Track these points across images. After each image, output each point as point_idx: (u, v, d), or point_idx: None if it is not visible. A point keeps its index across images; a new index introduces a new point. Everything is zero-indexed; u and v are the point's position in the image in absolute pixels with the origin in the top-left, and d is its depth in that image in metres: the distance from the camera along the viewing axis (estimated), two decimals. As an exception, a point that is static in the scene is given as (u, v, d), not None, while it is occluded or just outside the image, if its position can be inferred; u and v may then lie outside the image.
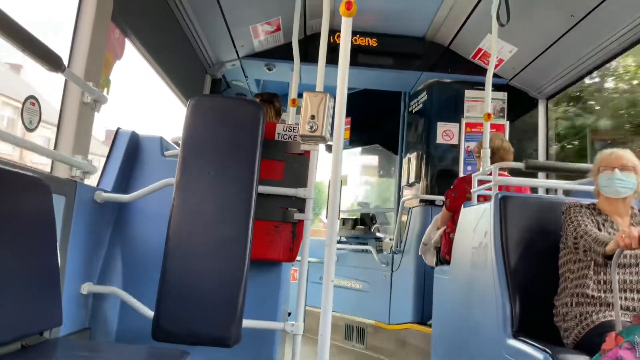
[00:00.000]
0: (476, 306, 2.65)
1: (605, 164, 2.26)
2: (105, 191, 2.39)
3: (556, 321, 2.22)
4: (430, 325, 3.67)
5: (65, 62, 1.92)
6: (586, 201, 2.36)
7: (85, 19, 2.23)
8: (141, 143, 2.68)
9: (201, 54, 4.27)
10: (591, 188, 2.40)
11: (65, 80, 2.15)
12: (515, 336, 2.22)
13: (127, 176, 2.60)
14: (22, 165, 1.82)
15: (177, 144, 2.63)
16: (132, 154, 2.64)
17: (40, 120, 1.82)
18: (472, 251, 2.78)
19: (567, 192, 3.01)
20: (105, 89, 2.52)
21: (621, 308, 2.00)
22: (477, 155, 3.63)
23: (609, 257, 1.96)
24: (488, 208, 2.61)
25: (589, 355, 1.83)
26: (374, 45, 4.69)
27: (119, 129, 2.68)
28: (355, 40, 4.60)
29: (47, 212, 1.73)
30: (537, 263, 2.42)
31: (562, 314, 2.17)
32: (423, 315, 4.33)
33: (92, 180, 2.34)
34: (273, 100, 3.61)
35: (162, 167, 2.58)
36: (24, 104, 1.77)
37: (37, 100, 1.82)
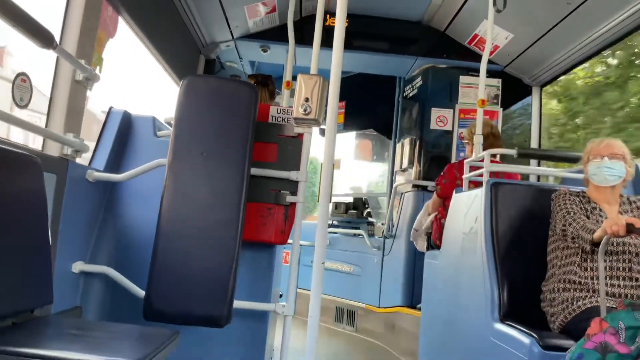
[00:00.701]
0: (465, 291, 2.68)
1: (594, 152, 2.27)
2: (97, 170, 2.38)
3: (543, 306, 2.25)
4: (419, 309, 3.71)
5: (57, 39, 1.89)
6: (577, 189, 2.38)
7: (77, -5, 2.20)
8: (133, 123, 2.67)
9: (195, 34, 4.21)
10: (582, 176, 2.42)
11: (57, 57, 2.12)
12: (503, 321, 2.25)
13: (119, 156, 2.58)
14: (12, 143, 1.80)
15: (170, 124, 2.62)
16: (125, 133, 2.63)
17: (31, 97, 1.80)
18: (462, 237, 2.80)
19: (558, 180, 3.03)
20: (98, 67, 2.48)
21: (607, 295, 2.03)
22: (467, 141, 3.63)
23: (596, 244, 1.98)
24: (479, 194, 2.63)
25: (574, 340, 1.85)
26: (369, 28, 4.64)
27: (111, 108, 2.66)
28: (350, 23, 4.55)
29: (38, 190, 1.72)
30: (526, 249, 2.45)
31: (549, 300, 2.20)
32: (413, 299, 4.37)
33: (84, 160, 2.33)
34: (267, 82, 3.59)
35: (154, 147, 2.57)
36: (14, 80, 1.75)
37: (28, 77, 1.79)
